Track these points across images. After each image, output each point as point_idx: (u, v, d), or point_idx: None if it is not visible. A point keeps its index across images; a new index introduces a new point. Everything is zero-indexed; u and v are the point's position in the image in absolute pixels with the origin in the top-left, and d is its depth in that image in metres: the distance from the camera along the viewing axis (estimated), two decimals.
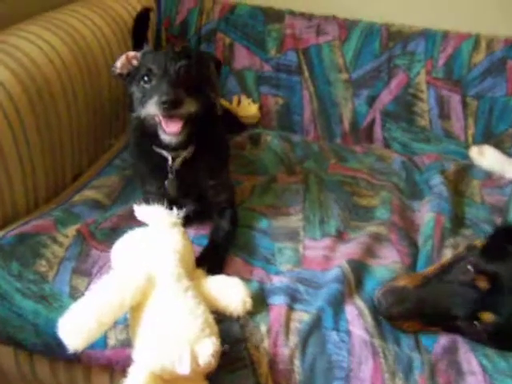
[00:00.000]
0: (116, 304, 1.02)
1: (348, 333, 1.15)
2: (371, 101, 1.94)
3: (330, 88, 1.96)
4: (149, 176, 1.44)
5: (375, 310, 1.19)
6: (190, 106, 1.26)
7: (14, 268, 1.26)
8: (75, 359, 1.24)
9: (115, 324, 1.17)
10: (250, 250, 1.37)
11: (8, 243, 1.31)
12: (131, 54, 1.37)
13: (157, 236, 1.18)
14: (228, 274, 1.22)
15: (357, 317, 1.18)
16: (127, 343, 1.16)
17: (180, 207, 1.24)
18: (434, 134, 1.92)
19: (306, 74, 1.97)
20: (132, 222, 1.40)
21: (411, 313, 1.15)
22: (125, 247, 1.21)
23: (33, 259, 1.28)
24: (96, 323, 0.99)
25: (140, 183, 1.50)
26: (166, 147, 1.34)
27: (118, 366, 1.19)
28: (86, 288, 1.24)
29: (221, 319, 1.12)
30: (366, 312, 1.19)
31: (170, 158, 1.36)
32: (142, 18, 1.92)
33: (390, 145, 1.95)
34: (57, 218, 1.40)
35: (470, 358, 1.12)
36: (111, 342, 1.19)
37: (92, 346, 1.18)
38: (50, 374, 1.32)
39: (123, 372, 1.21)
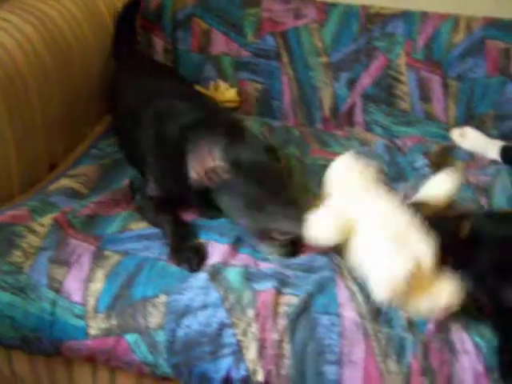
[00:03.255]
0: None
1: (339, 316, 1.12)
2: (351, 84, 1.90)
3: (310, 72, 1.91)
4: None
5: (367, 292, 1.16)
6: None
7: None
8: (55, 353, 1.20)
9: (96, 313, 1.13)
10: (235, 237, 1.31)
11: None
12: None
13: None
14: None
15: (348, 299, 1.14)
16: (109, 332, 1.12)
17: None
18: (415, 116, 1.88)
19: (285, 58, 1.93)
20: (111, 209, 1.37)
21: None
22: None
23: (8, 250, 1.23)
24: None
25: None
26: None
27: (101, 356, 1.16)
28: (65, 277, 1.19)
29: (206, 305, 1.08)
30: (358, 294, 1.15)
31: None
32: (131, 7, 1.93)
33: (371, 128, 1.91)
34: (32, 208, 1.34)
35: (463, 337, 1.09)
36: (92, 331, 1.14)
37: (72, 337, 1.15)
38: (29, 371, 1.28)
39: (106, 364, 1.19)
